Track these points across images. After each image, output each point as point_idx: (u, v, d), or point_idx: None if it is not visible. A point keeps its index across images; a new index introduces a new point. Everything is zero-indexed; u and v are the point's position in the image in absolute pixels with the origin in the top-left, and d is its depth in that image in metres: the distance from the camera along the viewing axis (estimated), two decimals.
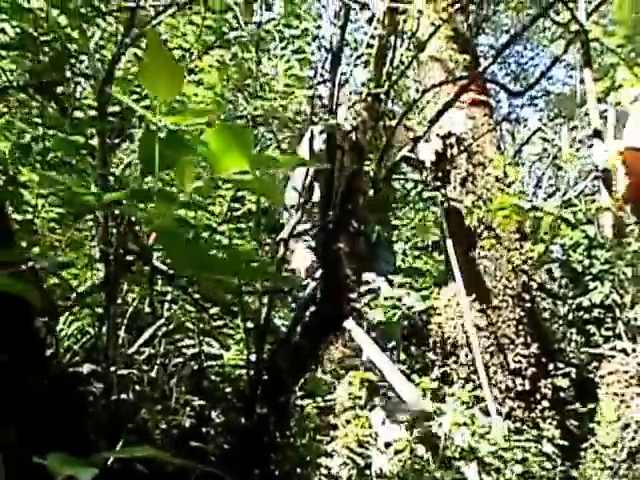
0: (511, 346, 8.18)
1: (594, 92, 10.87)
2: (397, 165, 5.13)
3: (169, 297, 4.75)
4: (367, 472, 5.91)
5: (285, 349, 4.08)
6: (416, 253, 10.89)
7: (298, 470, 4.66)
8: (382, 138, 4.82)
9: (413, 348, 8.48)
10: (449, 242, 8.29)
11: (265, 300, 4.31)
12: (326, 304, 3.92)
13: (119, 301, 4.06)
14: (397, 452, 6.13)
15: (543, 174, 18.91)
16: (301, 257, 7.41)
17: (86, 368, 3.71)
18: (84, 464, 1.92)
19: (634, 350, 8.52)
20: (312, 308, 4.10)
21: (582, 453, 8.11)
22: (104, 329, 3.69)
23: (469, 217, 7.86)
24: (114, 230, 3.53)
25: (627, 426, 8.00)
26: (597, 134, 10.67)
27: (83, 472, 1.89)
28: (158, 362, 4.39)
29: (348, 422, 6.41)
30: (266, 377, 4.02)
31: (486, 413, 7.24)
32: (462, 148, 8.47)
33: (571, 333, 9.21)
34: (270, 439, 4.03)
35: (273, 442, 4.06)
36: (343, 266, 3.98)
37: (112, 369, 3.73)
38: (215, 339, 5.00)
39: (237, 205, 5.53)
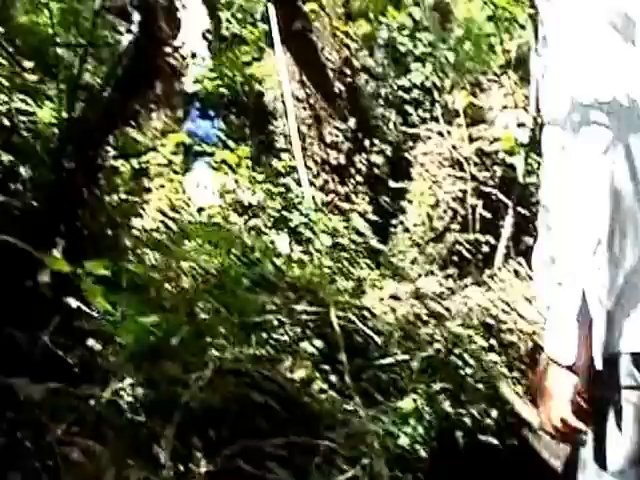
0: (329, 119, 8.18)
1: None
2: None
3: None
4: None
5: (97, 104, 3.98)
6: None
7: (109, 231, 4.62)
8: None
9: (233, 117, 8.40)
10: (272, 9, 8.09)
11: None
12: (140, 59, 3.82)
13: None
14: (210, 217, 6.17)
15: None
16: None
17: None
18: None
19: (449, 133, 8.71)
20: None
21: (392, 229, 8.34)
22: None
23: None
24: None
25: (437, 205, 8.24)
26: None
27: None
28: None
29: (162, 187, 6.40)
30: (75, 132, 3.92)
31: (299, 184, 7.30)
32: None
33: (389, 112, 9.27)
34: (78, 195, 3.97)
35: (81, 198, 4.00)
36: (158, 19, 3.87)
37: None
38: (29, 95, 4.84)
39: None
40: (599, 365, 2.03)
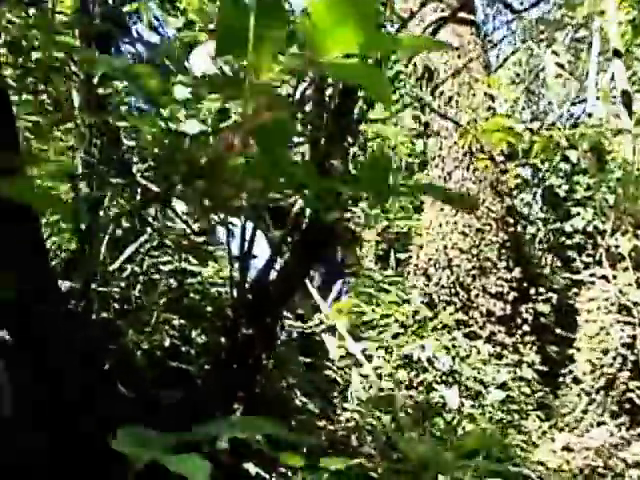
0: (493, 270, 8.13)
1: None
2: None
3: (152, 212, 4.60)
4: (347, 395, 5.85)
5: (272, 268, 3.94)
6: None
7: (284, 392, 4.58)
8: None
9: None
10: (434, 166, 8.18)
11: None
12: (317, 223, 3.77)
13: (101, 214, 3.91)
14: (379, 377, 6.07)
15: (518, 99, 18.81)
16: None
17: (64, 285, 3.56)
18: (196, 459, 1.49)
19: (614, 277, 8.49)
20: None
21: (561, 379, 8.12)
22: (85, 245, 3.55)
23: (464, 138, 7.72)
24: (97, 142, 3.37)
25: (606, 353, 7.98)
26: (617, 54, 10.42)
27: (194, 469, 1.46)
28: (140, 280, 4.26)
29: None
30: (251, 297, 3.87)
31: (467, 337, 7.21)
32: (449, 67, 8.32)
33: (552, 258, 9.20)
34: (255, 361, 3.90)
35: (258, 364, 3.94)
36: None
37: (92, 286, 3.60)
38: (195, 256, 4.87)
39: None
40: None
